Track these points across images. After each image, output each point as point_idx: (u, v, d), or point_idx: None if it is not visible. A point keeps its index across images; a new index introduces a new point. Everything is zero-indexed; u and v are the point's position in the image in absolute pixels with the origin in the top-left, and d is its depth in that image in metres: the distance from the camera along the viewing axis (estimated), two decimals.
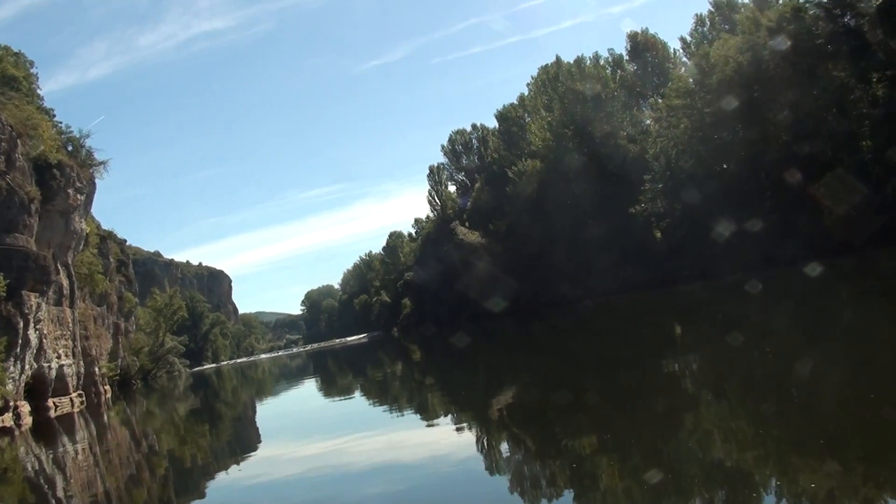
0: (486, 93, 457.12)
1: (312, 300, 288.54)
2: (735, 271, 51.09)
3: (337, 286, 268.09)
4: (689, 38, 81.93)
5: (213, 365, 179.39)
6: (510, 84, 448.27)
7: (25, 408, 48.70)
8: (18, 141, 50.43)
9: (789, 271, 43.88)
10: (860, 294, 29.62)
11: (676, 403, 15.20)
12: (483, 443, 15.66)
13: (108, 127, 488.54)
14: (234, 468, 18.46)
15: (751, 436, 11.98)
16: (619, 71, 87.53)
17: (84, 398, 63.13)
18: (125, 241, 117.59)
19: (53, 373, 55.02)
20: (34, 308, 48.39)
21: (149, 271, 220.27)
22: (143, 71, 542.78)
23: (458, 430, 18.12)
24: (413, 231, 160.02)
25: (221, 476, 17.82)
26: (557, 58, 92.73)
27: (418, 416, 22.55)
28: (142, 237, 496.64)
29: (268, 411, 38.21)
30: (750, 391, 15.39)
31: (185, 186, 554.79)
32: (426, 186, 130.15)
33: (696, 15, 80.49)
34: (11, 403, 46.09)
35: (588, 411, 16.47)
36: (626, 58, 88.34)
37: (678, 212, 63.87)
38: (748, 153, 56.80)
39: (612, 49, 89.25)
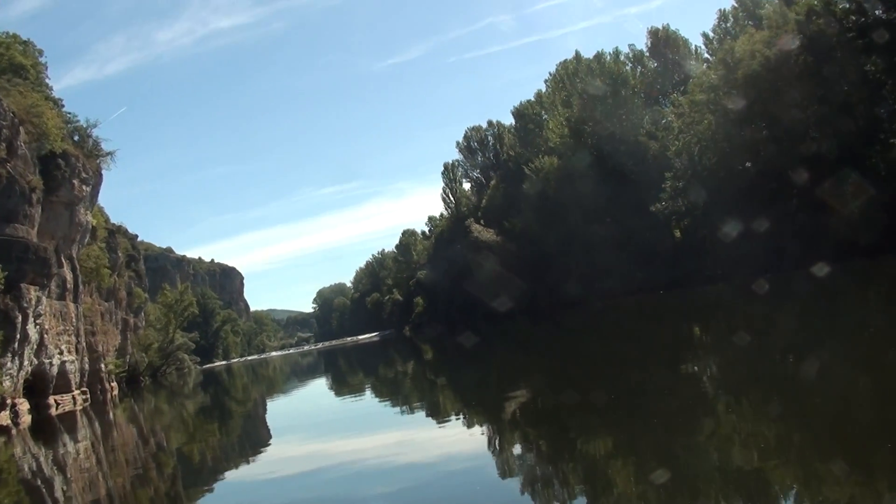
0: (502, 93, 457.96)
1: (324, 298, 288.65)
2: (755, 273, 49.70)
3: (349, 284, 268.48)
4: (711, 35, 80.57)
5: (224, 362, 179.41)
6: (526, 84, 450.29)
7: (24, 405, 47.30)
8: (21, 128, 49.00)
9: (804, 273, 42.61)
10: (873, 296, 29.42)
11: (691, 405, 14.71)
12: (495, 443, 15.30)
13: (123, 122, 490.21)
14: (244, 466, 18.24)
15: (767, 440, 11.65)
16: (639, 67, 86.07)
17: (88, 395, 61.94)
18: (136, 236, 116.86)
19: (55, 369, 53.68)
20: (34, 302, 46.97)
21: (160, 267, 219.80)
22: (159, 67, 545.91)
23: (469, 430, 17.79)
24: (427, 229, 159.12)
25: (231, 473, 17.56)
26: (577, 53, 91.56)
27: (429, 415, 22.04)
28: (154, 233, 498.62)
29: (278, 409, 37.83)
30: (767, 395, 14.81)
31: (199, 183, 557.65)
32: (440, 185, 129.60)
33: (720, 10, 79.23)
34: (9, 401, 44.68)
35: (601, 412, 15.91)
36: (646, 54, 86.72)
37: (700, 210, 62.14)
38: (773, 151, 55.01)
39: (632, 45, 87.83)
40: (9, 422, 43.42)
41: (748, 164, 58.19)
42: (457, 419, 20.25)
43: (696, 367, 20.25)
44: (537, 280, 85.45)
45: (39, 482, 20.44)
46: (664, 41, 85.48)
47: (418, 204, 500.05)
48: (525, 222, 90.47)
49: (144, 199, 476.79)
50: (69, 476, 20.80)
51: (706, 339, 27.64)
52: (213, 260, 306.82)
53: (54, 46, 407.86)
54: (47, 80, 66.62)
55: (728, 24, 77.72)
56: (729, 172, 58.34)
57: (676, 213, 67.34)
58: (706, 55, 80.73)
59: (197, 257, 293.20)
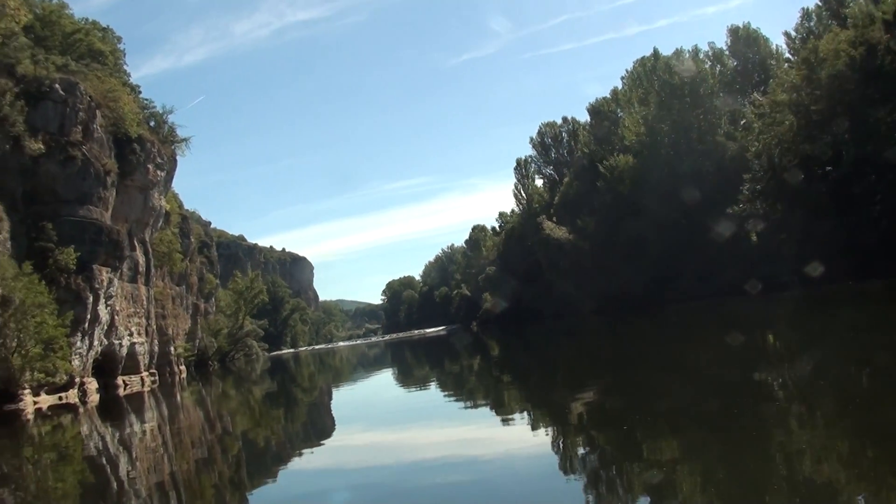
0: (576, 90, 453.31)
1: (393, 290, 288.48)
2: (833, 280, 48.16)
3: (418, 277, 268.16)
4: (793, 34, 78.26)
5: (292, 350, 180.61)
6: (599, 82, 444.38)
7: (93, 385, 47.89)
8: (98, 112, 49.55)
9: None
10: None
11: (768, 417, 13.81)
12: (559, 443, 15.00)
13: (199, 111, 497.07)
14: (307, 453, 18.01)
15: (852, 456, 10.83)
16: (718, 66, 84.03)
17: (157, 377, 62.63)
18: (209, 223, 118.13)
19: (125, 350, 54.32)
20: (105, 283, 47.49)
21: (232, 254, 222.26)
22: (236, 58, 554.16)
23: (533, 428, 17.25)
24: (497, 225, 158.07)
25: (294, 460, 17.39)
26: (655, 50, 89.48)
27: (493, 411, 21.78)
28: (227, 221, 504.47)
29: (343, 398, 37.48)
30: (850, 409, 13.70)
31: (273, 173, 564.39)
32: (511, 182, 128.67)
33: (803, 9, 76.59)
34: (78, 380, 45.21)
35: (672, 418, 15.31)
36: (726, 52, 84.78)
37: (779, 214, 60.43)
38: (856, 154, 53.19)
39: (712, 43, 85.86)
40: (76, 400, 43.94)
41: (829, 168, 56.39)
42: (520, 417, 19.84)
43: (785, 379, 19.12)
44: (609, 280, 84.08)
45: (104, 461, 20.34)
46: (744, 39, 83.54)
47: (489, 200, 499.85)
48: (598, 221, 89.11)
49: (219, 188, 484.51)
50: (134, 456, 20.77)
51: (781, 347, 26.46)
52: (284, 249, 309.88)
53: (134, 36, 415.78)
54: (125, 67, 67.35)
55: (811, 23, 75.33)
56: (810, 175, 56.67)
57: (754, 215, 65.71)
58: (787, 55, 78.60)
59: (268, 246, 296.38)
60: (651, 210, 77.13)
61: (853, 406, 13.76)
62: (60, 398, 42.90)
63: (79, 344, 44.72)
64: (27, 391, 39.15)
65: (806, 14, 76.10)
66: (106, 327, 49.91)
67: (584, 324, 73.94)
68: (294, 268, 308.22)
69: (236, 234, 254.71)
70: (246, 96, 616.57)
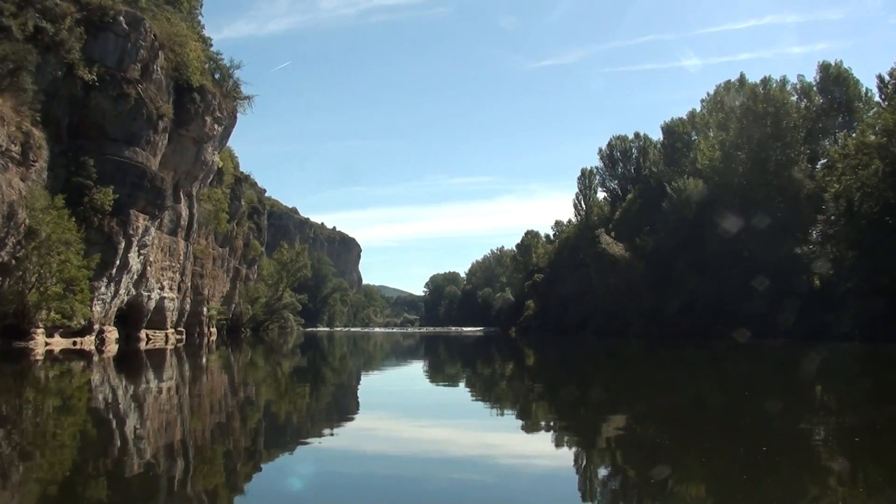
0: (649, 112, 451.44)
1: (436, 284, 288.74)
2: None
3: (462, 275, 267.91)
4: (887, 78, 74.85)
5: (327, 328, 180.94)
6: (674, 106, 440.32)
7: (113, 334, 46.40)
8: (160, 53, 47.91)
9: None
10: None
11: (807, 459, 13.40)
12: (581, 463, 14.15)
13: (274, 80, 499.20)
14: (327, 433, 17.15)
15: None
16: (804, 101, 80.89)
17: (184, 336, 61.43)
18: (264, 190, 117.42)
19: (152, 303, 52.86)
20: (140, 230, 45.89)
21: (283, 225, 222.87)
22: (318, 33, 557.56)
23: (556, 444, 16.47)
24: (552, 233, 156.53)
25: (313, 439, 16.62)
26: (741, 75, 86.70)
27: (519, 420, 20.85)
28: (283, 191, 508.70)
29: (371, 384, 36.14)
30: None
31: (336, 151, 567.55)
32: (570, 194, 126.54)
33: None
34: (97, 326, 43.64)
35: (704, 451, 14.49)
36: (814, 88, 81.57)
37: (850, 261, 57.44)
38: None
39: (801, 76, 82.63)
40: (92, 347, 42.44)
41: None
42: (546, 431, 18.68)
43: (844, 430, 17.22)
44: (659, 304, 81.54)
45: (111, 414, 19.12)
46: (834, 77, 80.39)
47: (545, 208, 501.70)
48: (658, 242, 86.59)
49: (281, 158, 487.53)
50: (145, 414, 19.57)
51: (830, 400, 24.35)
52: (335, 228, 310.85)
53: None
54: (200, 18, 66.07)
55: None
56: (889, 227, 53.68)
57: (822, 259, 62.84)
58: (878, 98, 75.35)
59: (320, 222, 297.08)
60: (714, 239, 74.29)
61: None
62: (75, 343, 41.53)
63: (103, 289, 43.20)
64: (40, 330, 37.79)
65: None
66: (136, 276, 48.47)
67: (627, 344, 71.72)
68: (342, 247, 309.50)
69: (289, 206, 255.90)
70: (322, 73, 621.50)
